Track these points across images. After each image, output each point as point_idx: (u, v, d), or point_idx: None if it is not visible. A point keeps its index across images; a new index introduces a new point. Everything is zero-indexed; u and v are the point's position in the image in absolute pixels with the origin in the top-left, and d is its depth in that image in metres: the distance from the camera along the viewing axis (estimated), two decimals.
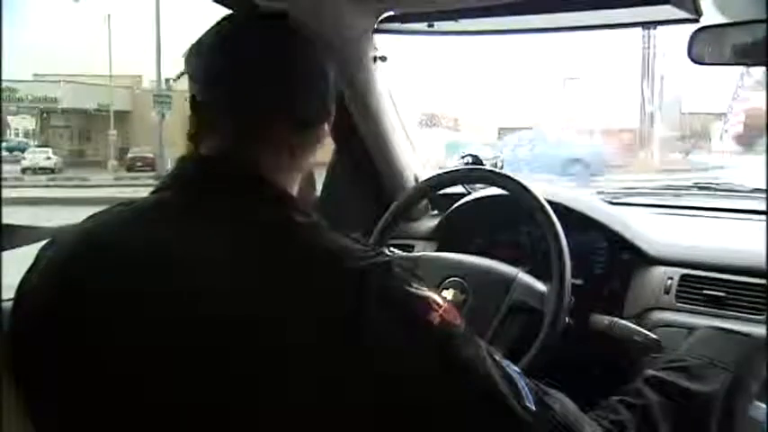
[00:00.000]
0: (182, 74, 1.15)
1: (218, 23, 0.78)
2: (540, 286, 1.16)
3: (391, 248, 1.39)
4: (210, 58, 0.76)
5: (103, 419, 0.65)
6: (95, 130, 21.25)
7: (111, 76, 19.92)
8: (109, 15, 19.39)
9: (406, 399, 0.62)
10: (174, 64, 17.52)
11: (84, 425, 0.66)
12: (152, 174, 16.13)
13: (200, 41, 0.77)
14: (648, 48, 14.80)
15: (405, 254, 1.36)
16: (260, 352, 0.61)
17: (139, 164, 18.27)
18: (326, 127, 0.80)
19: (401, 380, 0.61)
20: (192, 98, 0.77)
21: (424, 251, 1.45)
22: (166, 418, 0.62)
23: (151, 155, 18.00)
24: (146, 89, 17.97)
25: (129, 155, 19.42)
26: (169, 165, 15.60)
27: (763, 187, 1.56)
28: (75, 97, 20.53)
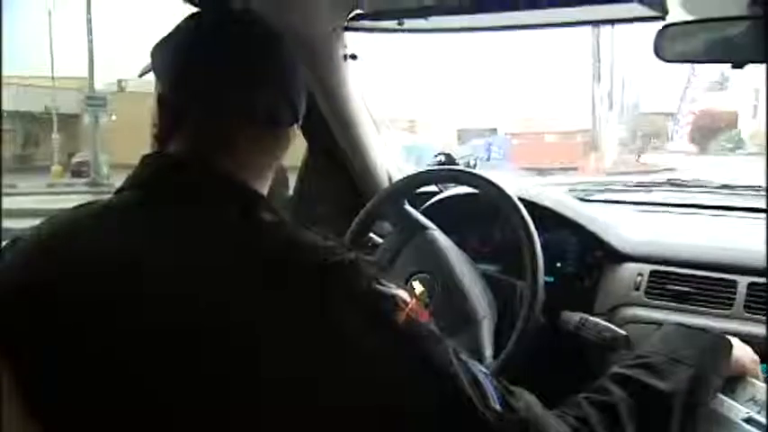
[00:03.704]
0: (147, 70, 1.11)
1: (185, 21, 0.76)
2: (489, 352, 1.14)
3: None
4: (177, 57, 0.74)
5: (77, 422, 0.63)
6: (43, 134, 20.47)
7: (53, 78, 19.16)
8: (50, 11, 18.62)
9: (369, 398, 0.60)
10: (116, 65, 17.08)
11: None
12: (86, 180, 15.58)
13: (166, 39, 0.76)
14: (598, 51, 15.08)
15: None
16: (228, 353, 0.59)
17: (85, 169, 17.63)
18: (297, 126, 0.79)
19: (364, 380, 0.60)
20: (158, 97, 0.75)
21: None
22: (139, 421, 0.60)
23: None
24: (100, 91, 17.31)
25: (75, 159, 18.69)
26: (104, 170, 15.10)
27: (733, 184, 1.60)
28: (21, 100, 19.69)
